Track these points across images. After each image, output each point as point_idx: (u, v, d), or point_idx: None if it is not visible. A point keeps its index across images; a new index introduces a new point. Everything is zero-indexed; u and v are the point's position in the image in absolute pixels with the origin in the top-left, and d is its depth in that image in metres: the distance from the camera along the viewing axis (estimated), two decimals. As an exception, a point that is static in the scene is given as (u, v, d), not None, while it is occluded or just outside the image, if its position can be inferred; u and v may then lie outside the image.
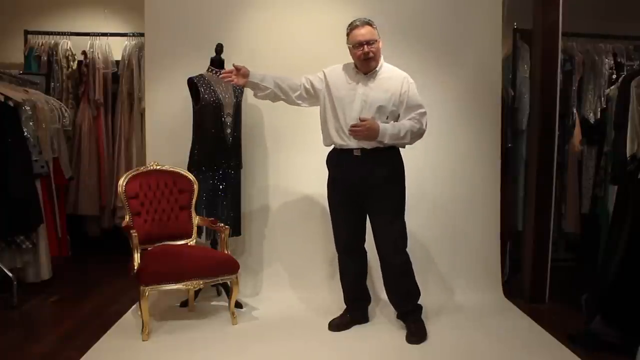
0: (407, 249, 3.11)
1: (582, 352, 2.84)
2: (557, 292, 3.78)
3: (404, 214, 3.12)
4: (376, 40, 2.98)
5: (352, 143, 3.01)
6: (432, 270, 3.81)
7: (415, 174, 3.64)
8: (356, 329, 3.21)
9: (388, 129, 2.93)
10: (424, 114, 3.02)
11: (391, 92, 2.99)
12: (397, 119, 3.03)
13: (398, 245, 3.08)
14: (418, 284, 3.19)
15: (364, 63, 3.00)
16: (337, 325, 3.21)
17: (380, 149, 2.99)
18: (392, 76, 3.03)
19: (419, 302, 3.18)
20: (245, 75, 3.03)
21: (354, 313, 3.28)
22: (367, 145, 2.98)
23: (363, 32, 2.97)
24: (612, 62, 4.43)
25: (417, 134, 3.01)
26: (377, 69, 3.03)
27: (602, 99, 4.36)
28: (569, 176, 4.50)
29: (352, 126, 2.93)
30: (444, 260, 3.85)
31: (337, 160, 3.11)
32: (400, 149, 3.10)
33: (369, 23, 3.00)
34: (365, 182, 3.02)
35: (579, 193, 4.52)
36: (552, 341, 3.03)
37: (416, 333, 3.05)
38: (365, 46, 2.95)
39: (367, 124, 2.91)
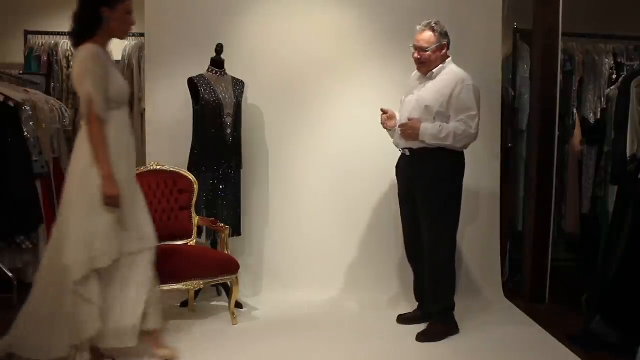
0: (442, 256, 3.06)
1: (582, 352, 2.84)
2: (557, 292, 3.78)
3: (448, 219, 3.06)
4: (429, 49, 2.99)
5: (401, 143, 3.10)
6: (432, 270, 3.81)
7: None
8: (366, 329, 3.21)
9: (428, 129, 2.95)
10: (474, 117, 2.94)
11: (441, 93, 2.98)
12: (448, 121, 2.98)
13: (433, 249, 3.05)
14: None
15: (417, 66, 3.10)
16: (405, 319, 3.27)
17: (428, 149, 2.99)
18: (449, 78, 3.01)
19: (448, 309, 3.13)
20: (392, 117, 3.17)
21: (422, 310, 3.28)
22: (414, 145, 3.03)
23: (418, 38, 3.04)
24: (612, 62, 4.42)
25: (463, 137, 2.94)
26: (435, 71, 3.04)
27: (602, 99, 4.35)
28: (569, 176, 4.49)
29: (400, 125, 3.04)
30: (444, 260, 3.85)
31: (397, 163, 3.24)
32: (458, 151, 3.03)
33: (431, 28, 3.01)
34: (412, 182, 3.08)
35: (579, 193, 4.51)
36: (552, 341, 3.03)
37: (426, 332, 3.05)
38: (416, 52, 3.05)
39: (410, 122, 2.99)
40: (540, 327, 3.23)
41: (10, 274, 3.55)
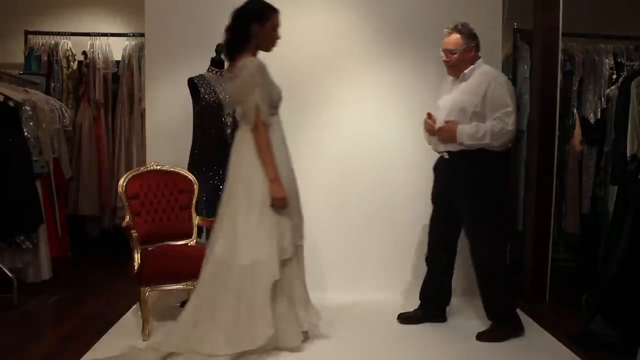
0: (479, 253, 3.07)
1: (582, 352, 2.84)
2: (557, 292, 3.78)
3: (490, 218, 3.02)
4: (457, 51, 3.00)
5: (440, 146, 3.10)
6: (432, 270, 3.81)
7: (416, 173, 3.65)
8: (367, 329, 3.20)
9: (465, 129, 2.95)
10: (510, 113, 2.92)
11: (475, 93, 2.98)
12: (484, 120, 2.97)
13: (478, 248, 3.06)
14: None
15: (447, 69, 3.11)
16: (405, 318, 3.28)
17: (466, 151, 2.98)
18: (481, 77, 3.01)
19: (507, 311, 3.09)
20: (436, 122, 3.12)
21: (424, 311, 3.30)
22: (452, 147, 3.02)
23: (445, 41, 3.05)
24: (612, 62, 4.43)
25: (499, 134, 2.91)
26: (467, 72, 3.04)
27: (602, 99, 4.36)
28: (569, 176, 4.50)
29: (437, 129, 3.04)
30: (444, 260, 3.85)
31: (435, 164, 3.23)
32: (497, 152, 3.00)
33: (457, 30, 3.02)
34: (450, 184, 3.08)
35: (579, 193, 4.52)
36: (552, 341, 3.03)
37: (482, 333, 3.04)
38: (444, 55, 3.05)
39: (446, 125, 2.99)
40: (540, 327, 3.23)
41: (10, 274, 3.55)
